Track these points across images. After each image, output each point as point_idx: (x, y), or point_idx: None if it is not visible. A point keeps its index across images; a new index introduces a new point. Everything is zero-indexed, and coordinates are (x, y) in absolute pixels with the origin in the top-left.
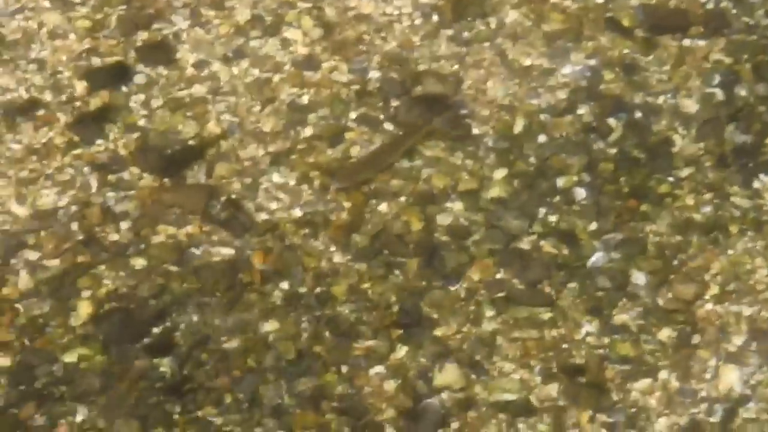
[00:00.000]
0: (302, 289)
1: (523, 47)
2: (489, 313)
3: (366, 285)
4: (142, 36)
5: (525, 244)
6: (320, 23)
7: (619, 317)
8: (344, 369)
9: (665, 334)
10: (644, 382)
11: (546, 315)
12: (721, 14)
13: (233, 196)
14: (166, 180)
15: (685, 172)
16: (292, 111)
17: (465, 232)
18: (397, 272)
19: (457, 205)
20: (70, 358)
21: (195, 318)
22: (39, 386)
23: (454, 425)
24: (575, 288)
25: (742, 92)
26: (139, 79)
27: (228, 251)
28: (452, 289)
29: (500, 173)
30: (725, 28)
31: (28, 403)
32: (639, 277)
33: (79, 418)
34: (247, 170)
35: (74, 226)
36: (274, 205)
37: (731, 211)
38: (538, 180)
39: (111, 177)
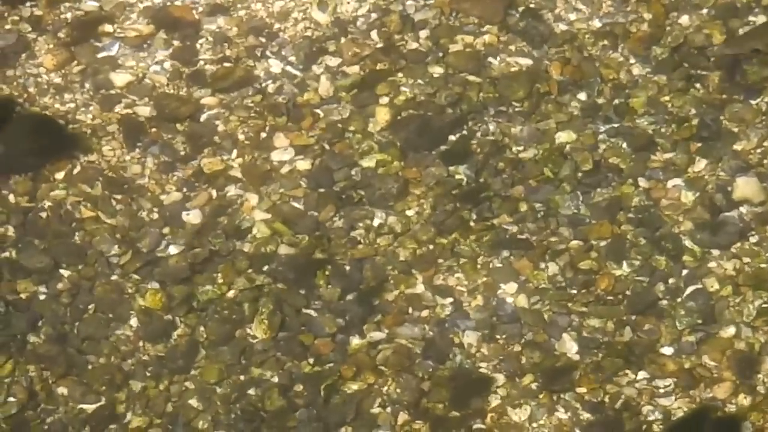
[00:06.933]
0: (600, 101)
1: None
2: None
3: (665, 97)
4: None
5: None
6: None
7: None
8: (641, 181)
9: None
10: None
11: None
12: None
13: (532, 6)
14: None
15: None
16: None
17: None
18: (697, 85)
19: (761, 19)
20: (368, 162)
21: (492, 126)
22: (338, 189)
23: (753, 239)
24: None
25: None
26: None
27: (526, 61)
28: (753, 103)
29: None
30: None
31: (327, 206)
32: None
33: (376, 222)
34: None
35: (374, 33)
36: (573, 16)
37: None
38: None
39: None
